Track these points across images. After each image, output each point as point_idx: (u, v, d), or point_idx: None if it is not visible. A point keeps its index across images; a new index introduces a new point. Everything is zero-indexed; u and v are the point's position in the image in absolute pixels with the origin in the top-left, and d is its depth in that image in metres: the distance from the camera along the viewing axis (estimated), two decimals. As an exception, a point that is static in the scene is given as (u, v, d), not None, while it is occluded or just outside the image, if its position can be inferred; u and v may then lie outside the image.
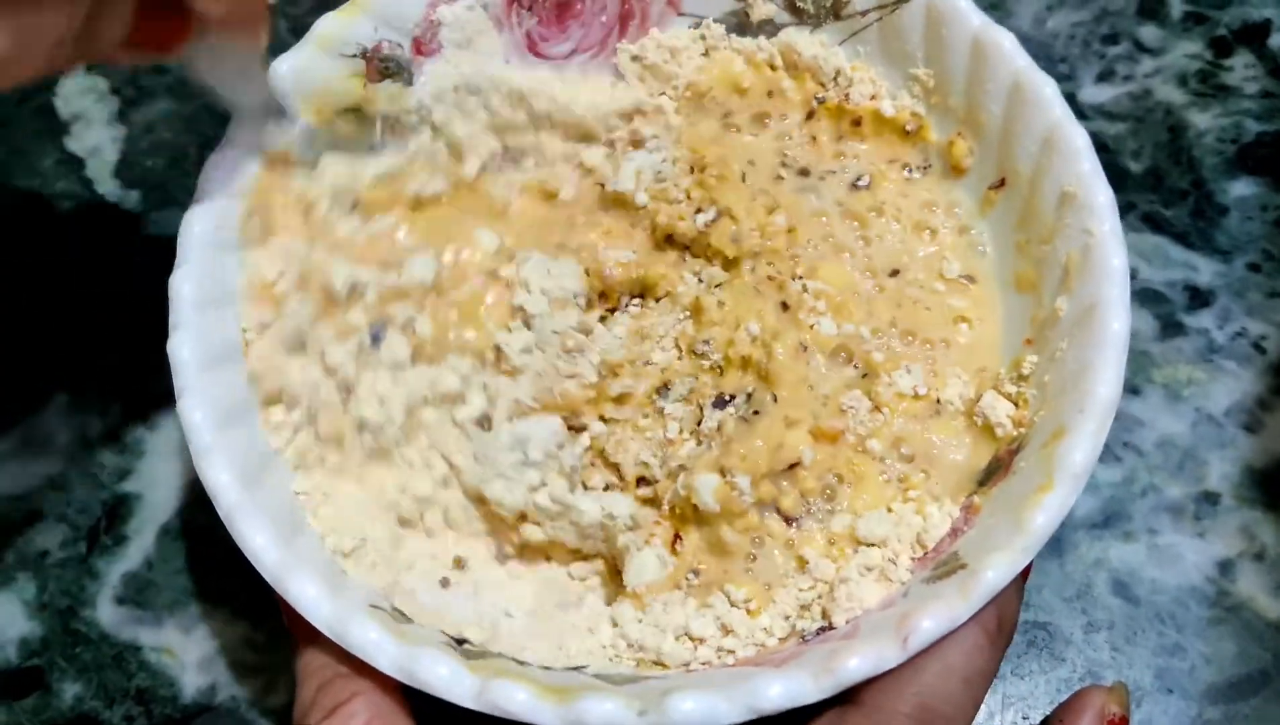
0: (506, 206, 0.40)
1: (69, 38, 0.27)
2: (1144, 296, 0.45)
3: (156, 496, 0.41)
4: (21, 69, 0.27)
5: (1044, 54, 0.35)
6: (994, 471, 0.34)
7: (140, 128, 0.49)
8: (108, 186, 0.48)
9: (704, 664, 0.32)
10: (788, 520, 0.35)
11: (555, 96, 0.40)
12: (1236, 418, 0.43)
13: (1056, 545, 0.40)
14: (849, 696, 0.29)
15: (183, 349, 0.32)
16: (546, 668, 0.32)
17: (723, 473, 0.34)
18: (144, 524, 0.41)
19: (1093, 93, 0.51)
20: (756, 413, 0.35)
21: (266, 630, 0.39)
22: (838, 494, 0.35)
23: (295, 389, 0.35)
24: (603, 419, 0.37)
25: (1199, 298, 0.45)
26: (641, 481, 0.36)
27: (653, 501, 0.36)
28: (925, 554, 0.33)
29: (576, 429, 0.37)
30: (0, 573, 0.40)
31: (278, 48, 0.36)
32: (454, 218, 0.39)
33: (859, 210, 0.40)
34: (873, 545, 0.34)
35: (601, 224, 0.40)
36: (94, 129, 0.49)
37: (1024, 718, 0.38)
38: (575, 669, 0.32)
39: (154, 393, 0.39)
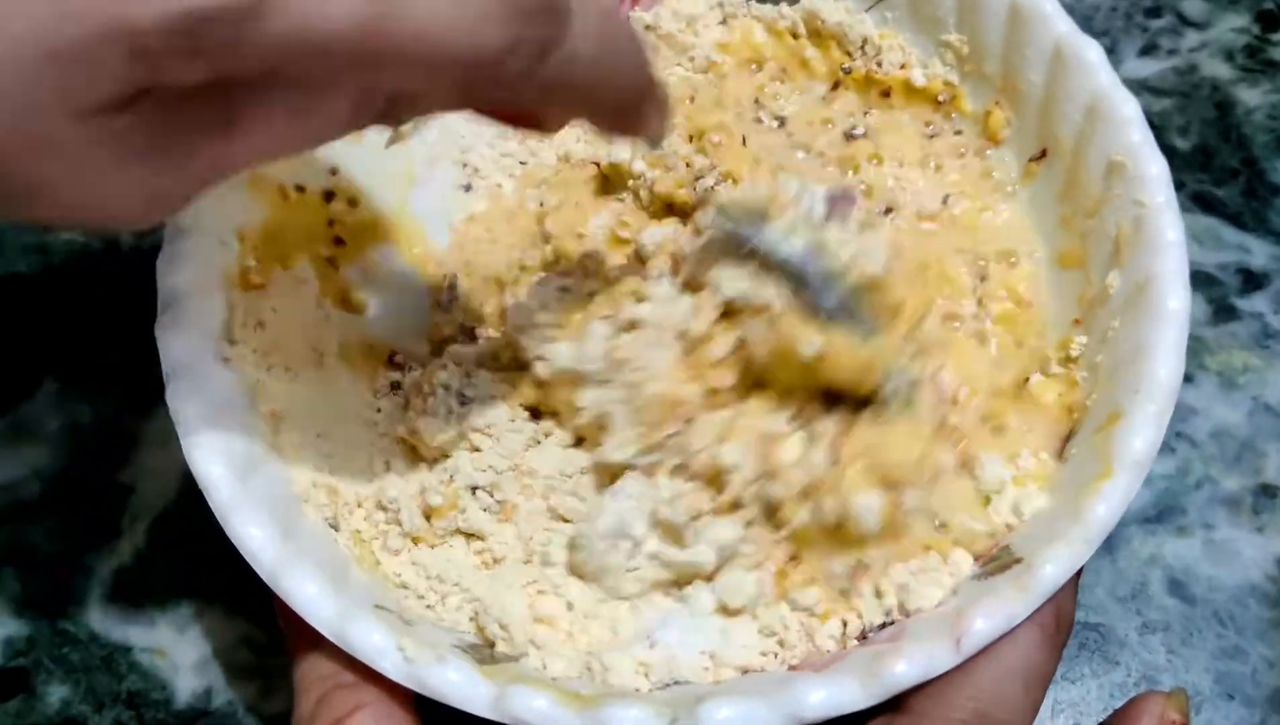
0: None
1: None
2: (1196, 280, 0.43)
3: (150, 488, 0.40)
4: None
5: (1084, 27, 0.35)
6: (1052, 459, 0.33)
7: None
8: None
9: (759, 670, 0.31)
10: None
11: None
12: (1295, 407, 0.42)
13: (1108, 540, 0.38)
14: (897, 703, 0.27)
15: (172, 333, 0.31)
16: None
17: (884, 486, 0.30)
18: (136, 517, 0.39)
19: (1135, 67, 0.49)
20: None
21: (266, 630, 0.37)
22: None
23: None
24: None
25: (1252, 281, 0.44)
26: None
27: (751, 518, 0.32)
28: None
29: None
30: (-16, 569, 0.40)
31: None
32: None
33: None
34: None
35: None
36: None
37: (1075, 725, 0.36)
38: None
39: (148, 379, 0.37)
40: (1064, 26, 0.36)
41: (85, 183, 0.22)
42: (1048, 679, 0.28)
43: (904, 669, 0.26)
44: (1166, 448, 0.40)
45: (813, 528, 0.31)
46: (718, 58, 0.41)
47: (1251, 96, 0.48)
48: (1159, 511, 0.39)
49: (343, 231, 0.38)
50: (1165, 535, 0.39)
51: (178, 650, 0.37)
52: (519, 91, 0.24)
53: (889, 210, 0.38)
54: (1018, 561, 0.29)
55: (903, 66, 0.40)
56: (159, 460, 0.40)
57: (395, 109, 0.26)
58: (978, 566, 0.31)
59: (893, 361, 0.31)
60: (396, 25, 0.21)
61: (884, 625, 0.30)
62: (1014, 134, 0.38)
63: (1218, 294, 0.44)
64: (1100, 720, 0.32)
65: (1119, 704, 0.31)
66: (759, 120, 0.41)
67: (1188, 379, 0.41)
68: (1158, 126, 0.46)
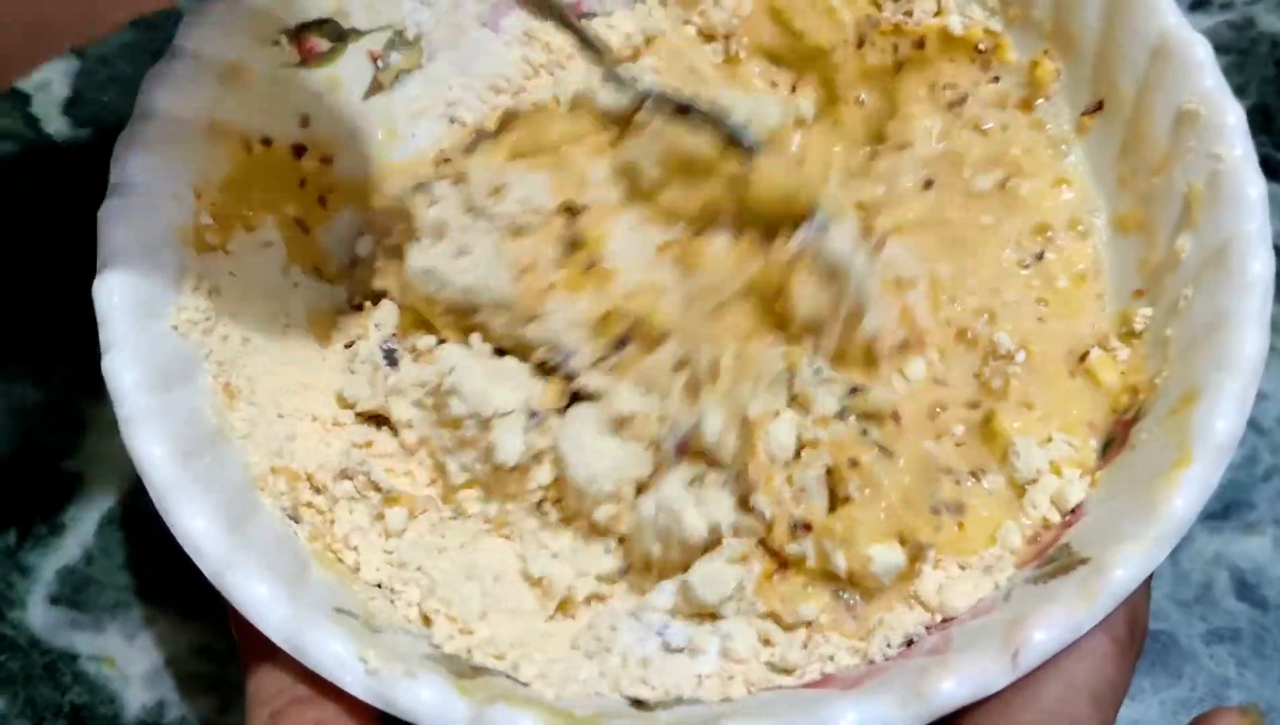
0: None
1: None
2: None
3: (99, 478, 0.39)
4: None
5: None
6: (1107, 446, 0.31)
7: (94, 60, 0.47)
8: (56, 125, 0.46)
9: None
10: None
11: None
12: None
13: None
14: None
15: (112, 296, 0.29)
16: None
17: (902, 540, 0.30)
18: (83, 510, 0.39)
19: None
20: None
21: (225, 638, 0.34)
22: None
23: None
24: None
25: (1321, 252, 0.42)
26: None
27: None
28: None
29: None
30: (-83, 567, 0.38)
31: None
32: None
33: None
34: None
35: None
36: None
37: (1136, 746, 0.35)
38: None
39: (99, 358, 0.36)
40: None
41: None
42: (1121, 696, 0.26)
43: (952, 687, 0.24)
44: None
45: (815, 568, 0.30)
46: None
47: (1313, 54, 0.47)
48: (1224, 505, 0.38)
49: (320, 191, 0.36)
50: (1231, 533, 0.38)
51: (127, 659, 0.37)
52: None
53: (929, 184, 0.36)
54: (1082, 562, 0.27)
55: (937, 14, 0.38)
56: (110, 447, 0.39)
57: None
58: (1032, 568, 0.29)
59: (820, 191, 0.33)
60: None
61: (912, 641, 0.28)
62: (1064, 86, 0.36)
63: (1282, 267, 0.42)
64: (1165, 741, 0.31)
65: (1184, 722, 0.29)
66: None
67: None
68: (1215, 83, 0.45)
